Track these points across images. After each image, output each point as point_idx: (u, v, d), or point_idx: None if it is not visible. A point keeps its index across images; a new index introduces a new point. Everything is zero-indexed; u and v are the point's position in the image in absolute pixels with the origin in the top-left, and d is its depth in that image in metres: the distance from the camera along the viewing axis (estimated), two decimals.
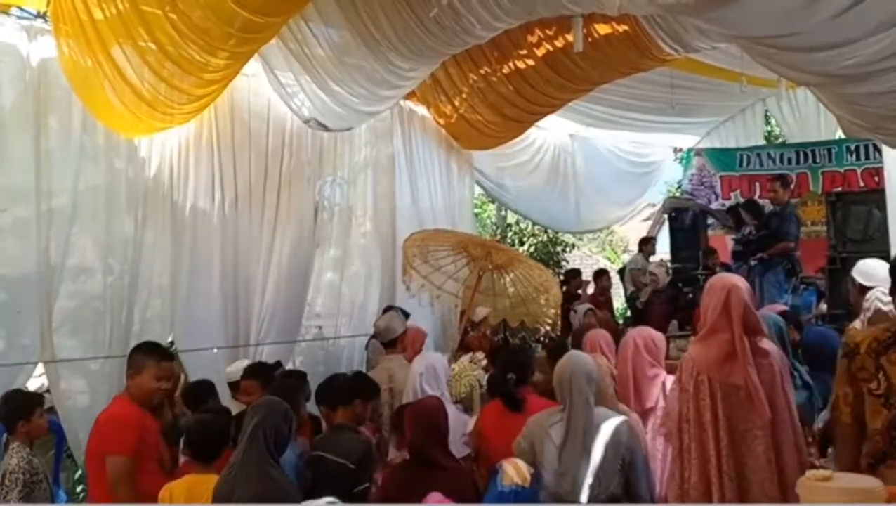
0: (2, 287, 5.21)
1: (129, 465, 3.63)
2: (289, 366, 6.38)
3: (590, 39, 7.06)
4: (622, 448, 3.36)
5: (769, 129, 13.46)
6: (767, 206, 9.01)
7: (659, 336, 4.59)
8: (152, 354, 3.93)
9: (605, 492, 3.30)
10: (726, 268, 8.67)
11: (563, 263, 14.20)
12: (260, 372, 5.04)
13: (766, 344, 3.53)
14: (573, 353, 3.85)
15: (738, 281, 3.61)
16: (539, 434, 3.47)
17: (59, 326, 5.40)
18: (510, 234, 14.35)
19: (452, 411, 4.29)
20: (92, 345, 5.54)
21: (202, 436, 3.65)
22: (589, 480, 3.31)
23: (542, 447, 3.44)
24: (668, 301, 8.79)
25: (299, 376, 5.14)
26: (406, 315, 6.30)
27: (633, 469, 3.39)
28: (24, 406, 4.05)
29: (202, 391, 4.99)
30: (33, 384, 5.90)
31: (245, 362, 5.43)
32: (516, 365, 4.37)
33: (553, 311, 6.36)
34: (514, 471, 3.40)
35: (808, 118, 11.20)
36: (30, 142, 5.25)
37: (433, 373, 4.54)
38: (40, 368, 5.54)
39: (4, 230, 5.21)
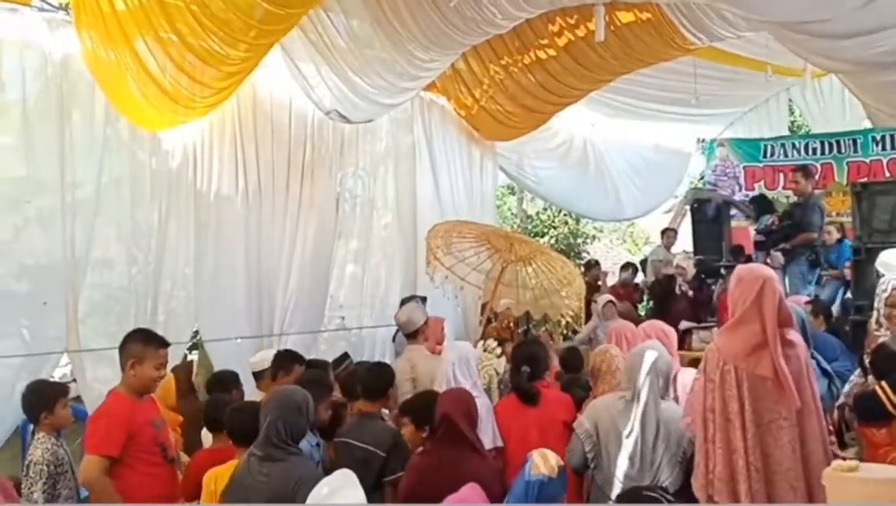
0: (28, 278, 5.26)
1: (103, 465, 3.57)
2: (312, 357, 6.40)
3: (612, 28, 7.01)
4: (685, 441, 3.43)
5: (793, 119, 13.28)
6: (792, 197, 8.92)
7: (669, 329, 4.59)
8: (150, 342, 3.85)
9: (667, 480, 3.33)
10: (748, 260, 8.58)
11: (585, 254, 14.15)
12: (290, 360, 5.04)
13: (794, 335, 3.51)
14: (647, 343, 3.86)
15: (771, 272, 3.59)
16: (606, 419, 3.52)
17: (84, 316, 5.46)
18: (531, 225, 14.31)
19: (483, 401, 4.29)
20: (117, 335, 5.50)
21: (241, 421, 3.68)
22: (652, 468, 3.35)
23: (606, 431, 3.48)
24: (693, 293, 8.71)
25: (322, 366, 5.15)
26: (423, 300, 6.28)
27: (693, 462, 3.45)
28: (46, 398, 4.00)
29: (226, 381, 5.03)
30: (59, 373, 5.98)
31: (270, 352, 5.46)
32: (529, 359, 4.37)
33: (577, 303, 6.32)
34: (542, 461, 3.40)
35: (833, 108, 11.05)
36: (54, 134, 5.29)
37: (465, 362, 4.54)
38: (66, 357, 5.61)
39: (30, 222, 5.26)
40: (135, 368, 3.78)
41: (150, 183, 5.87)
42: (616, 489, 3.38)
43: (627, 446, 3.44)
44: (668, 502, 2.94)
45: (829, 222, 8.84)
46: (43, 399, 3.98)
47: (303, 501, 2.90)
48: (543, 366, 4.44)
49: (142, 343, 3.83)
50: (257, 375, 5.20)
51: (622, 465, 3.43)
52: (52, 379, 5.18)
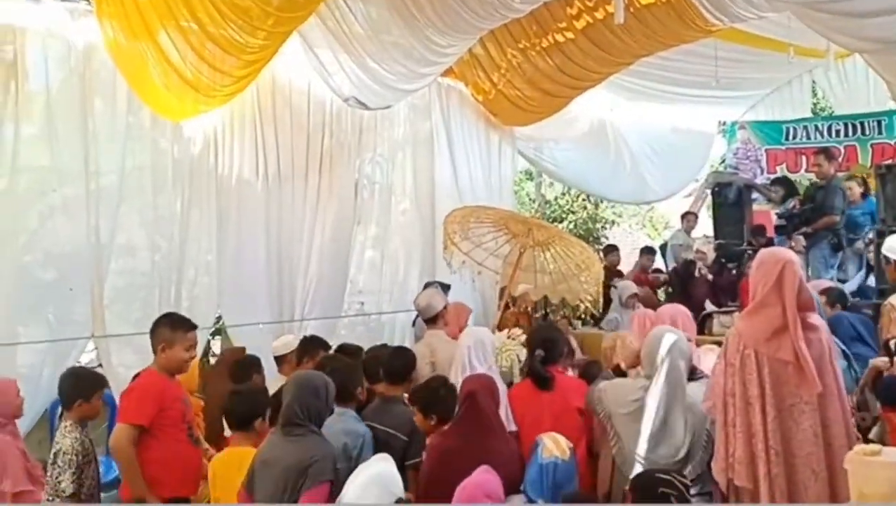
0: (53, 266, 5.36)
1: (132, 434, 3.72)
2: (332, 341, 6.45)
3: (631, 10, 6.93)
4: (708, 423, 3.42)
5: (816, 101, 13.10)
6: (814, 180, 8.79)
7: (687, 312, 4.59)
8: (180, 325, 3.99)
9: (696, 468, 3.34)
10: (770, 243, 8.51)
11: (604, 239, 14.09)
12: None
13: (815, 319, 3.49)
14: (664, 327, 3.87)
15: (792, 255, 3.56)
16: (624, 402, 3.53)
17: (109, 302, 5.56)
18: (549, 210, 14.27)
19: (501, 386, 4.32)
20: (142, 320, 5.65)
21: (236, 406, 3.89)
22: (677, 454, 3.36)
23: (625, 415, 3.49)
24: (713, 277, 8.66)
25: (355, 351, 5.17)
26: (445, 288, 6.30)
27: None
28: (85, 386, 4.03)
29: (248, 365, 5.09)
30: (85, 359, 6.08)
31: (291, 337, 5.51)
32: (545, 342, 4.36)
33: (595, 288, 6.30)
34: (554, 444, 3.44)
35: (857, 89, 10.86)
36: (77, 123, 5.36)
37: (481, 347, 4.55)
38: (91, 343, 5.70)
39: (55, 210, 5.35)
40: (165, 351, 3.92)
41: (171, 171, 5.94)
42: (635, 470, 3.39)
43: (647, 427, 3.44)
44: (681, 488, 2.97)
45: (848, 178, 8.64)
46: (81, 387, 4.01)
47: (315, 476, 3.17)
48: (559, 350, 4.42)
49: (170, 327, 3.97)
50: (279, 360, 5.27)
51: (642, 446, 3.43)
52: (88, 366, 5.28)
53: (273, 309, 6.61)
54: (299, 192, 6.86)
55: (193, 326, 4.06)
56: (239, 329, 6.37)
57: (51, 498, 3.77)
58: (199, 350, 6.10)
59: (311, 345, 5.07)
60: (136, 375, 4.23)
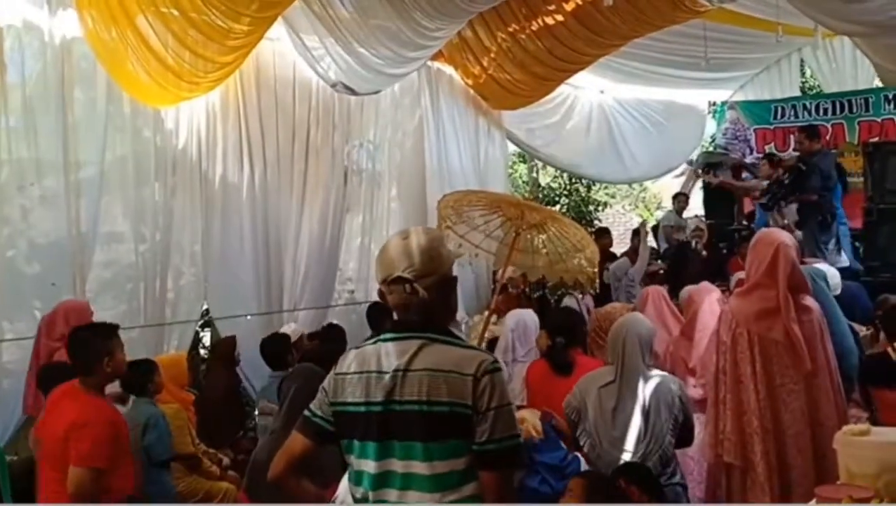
0: (36, 260, 5.28)
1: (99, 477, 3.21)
2: None
3: None
4: (675, 408, 3.38)
5: (804, 80, 13.07)
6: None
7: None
8: (112, 331, 3.44)
9: (658, 452, 3.30)
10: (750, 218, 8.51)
11: (597, 221, 14.06)
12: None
13: (809, 301, 3.53)
14: (629, 315, 3.84)
15: (787, 237, 3.59)
16: (591, 394, 3.46)
17: (94, 295, 5.48)
18: (542, 194, 14.23)
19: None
20: (128, 313, 5.63)
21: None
22: (644, 440, 3.32)
23: (594, 407, 3.43)
24: (704, 256, 8.66)
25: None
26: None
27: (685, 428, 3.43)
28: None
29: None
30: None
31: (292, 326, 5.50)
32: (563, 328, 4.32)
33: (591, 269, 6.28)
34: (531, 424, 3.47)
35: (845, 68, 10.85)
36: (56, 115, 5.27)
37: (524, 329, 4.60)
38: None
39: (35, 204, 5.26)
40: (113, 357, 3.38)
41: (154, 160, 5.86)
42: (605, 463, 3.34)
43: (615, 419, 3.36)
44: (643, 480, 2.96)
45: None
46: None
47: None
48: (579, 334, 4.42)
49: (103, 337, 3.41)
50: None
51: (608, 439, 3.36)
52: None
53: (261, 300, 6.55)
54: (286, 180, 6.79)
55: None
56: (227, 321, 6.30)
57: None
58: (187, 342, 6.10)
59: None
60: None
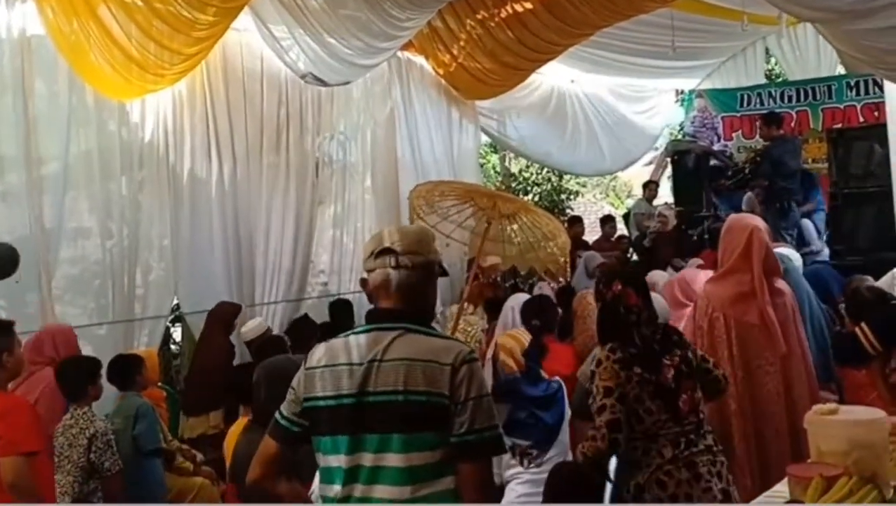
0: None
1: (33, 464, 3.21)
2: None
3: None
4: None
5: (769, 67, 13.24)
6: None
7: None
8: (7, 329, 3.43)
9: None
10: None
11: (569, 210, 14.14)
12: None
13: (781, 284, 3.60)
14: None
15: (759, 222, 3.67)
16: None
17: (61, 292, 5.38)
18: (514, 183, 14.27)
19: None
20: (95, 311, 5.53)
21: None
22: None
23: None
24: (674, 243, 8.72)
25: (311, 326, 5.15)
26: None
27: None
28: (91, 371, 4.03)
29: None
30: None
31: (259, 321, 5.42)
32: (538, 312, 4.48)
33: (563, 259, 6.34)
34: (512, 361, 3.65)
35: (808, 55, 10.99)
36: (16, 109, 5.12)
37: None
38: None
39: None
40: (13, 354, 3.41)
41: (120, 154, 5.75)
42: None
43: None
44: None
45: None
46: (90, 372, 4.03)
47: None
48: (552, 318, 4.56)
49: (3, 335, 3.43)
50: (249, 344, 5.20)
51: None
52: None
53: (233, 293, 6.45)
54: (255, 172, 6.69)
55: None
56: (198, 316, 6.21)
57: (81, 481, 3.78)
58: (158, 338, 6.01)
59: None
60: None
